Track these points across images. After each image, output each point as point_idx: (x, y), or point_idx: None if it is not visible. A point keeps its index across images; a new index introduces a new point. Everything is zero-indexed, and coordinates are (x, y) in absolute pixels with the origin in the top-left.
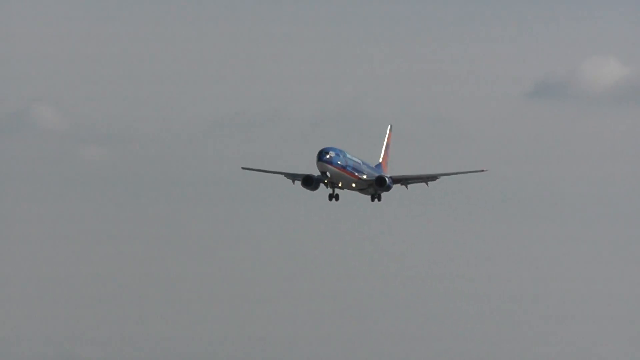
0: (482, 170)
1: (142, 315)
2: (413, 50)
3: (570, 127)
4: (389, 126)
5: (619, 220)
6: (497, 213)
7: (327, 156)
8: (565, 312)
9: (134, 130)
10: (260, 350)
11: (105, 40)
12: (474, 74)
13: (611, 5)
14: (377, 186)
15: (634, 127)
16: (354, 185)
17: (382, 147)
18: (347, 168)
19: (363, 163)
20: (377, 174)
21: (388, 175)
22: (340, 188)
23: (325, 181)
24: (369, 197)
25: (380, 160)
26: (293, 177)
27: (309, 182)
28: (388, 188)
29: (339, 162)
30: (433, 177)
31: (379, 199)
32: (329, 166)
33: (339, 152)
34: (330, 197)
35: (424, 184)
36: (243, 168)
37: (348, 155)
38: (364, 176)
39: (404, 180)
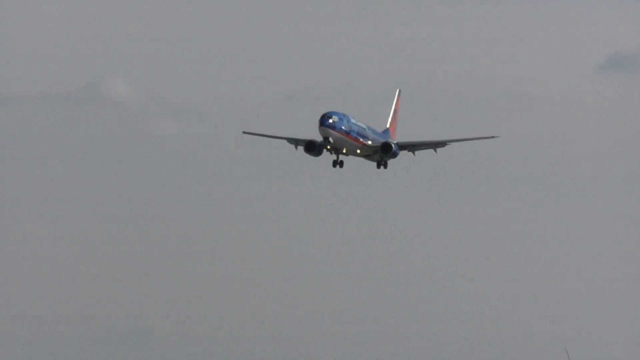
0: (493, 137)
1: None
2: (481, 25)
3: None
4: (398, 91)
5: None
6: (508, 183)
7: (330, 121)
8: (574, 290)
9: (206, 105)
10: (264, 323)
11: (179, 16)
12: (547, 45)
13: None
14: (382, 153)
15: None
16: (358, 151)
17: (390, 112)
18: (351, 133)
19: (368, 128)
20: (382, 140)
21: (394, 142)
22: (345, 154)
23: (328, 147)
24: (374, 164)
25: (388, 125)
26: (296, 142)
27: (312, 147)
28: (394, 155)
29: (342, 127)
30: (442, 144)
31: (385, 166)
32: (332, 131)
33: (342, 117)
34: (334, 163)
35: (432, 150)
36: (244, 132)
37: (352, 120)
38: (369, 142)
39: (411, 147)
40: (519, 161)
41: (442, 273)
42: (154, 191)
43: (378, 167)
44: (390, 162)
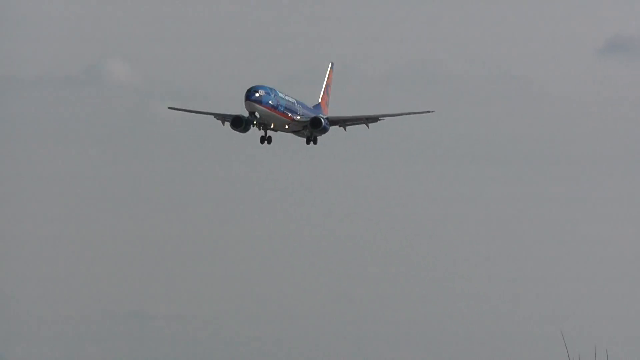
0: (428, 112)
1: None
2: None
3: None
4: (330, 64)
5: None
6: (442, 157)
7: (257, 95)
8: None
9: (203, 87)
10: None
11: None
12: (545, 30)
13: None
14: (312, 128)
15: None
16: (287, 126)
17: (322, 86)
18: (279, 108)
19: (297, 103)
20: (312, 115)
21: (324, 116)
22: (274, 130)
23: (255, 122)
24: (304, 139)
25: (320, 100)
26: (223, 117)
27: (239, 123)
28: (324, 130)
29: (269, 102)
30: (374, 119)
31: (315, 142)
32: (258, 106)
33: (269, 91)
34: (262, 139)
35: (364, 126)
36: (170, 108)
37: (280, 94)
38: (298, 117)
39: (342, 122)
40: (455, 138)
41: (374, 252)
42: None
43: (308, 142)
44: (321, 137)
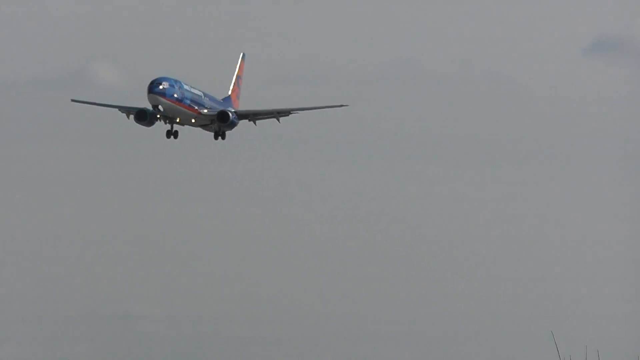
0: (342, 105)
1: None
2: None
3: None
4: (241, 54)
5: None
6: (355, 152)
7: (160, 87)
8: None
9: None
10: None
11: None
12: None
13: None
14: (219, 122)
15: None
16: (193, 120)
17: (232, 78)
18: (184, 101)
19: (205, 95)
20: (220, 109)
21: (232, 110)
22: (180, 124)
23: (158, 116)
24: (212, 134)
25: (230, 92)
26: (127, 111)
27: (143, 117)
28: (232, 124)
29: (174, 95)
30: (285, 113)
31: (223, 137)
32: (162, 99)
33: (173, 83)
34: (169, 134)
35: (275, 120)
36: (72, 100)
37: (185, 87)
38: (205, 111)
39: (252, 116)
40: (368, 132)
41: (284, 252)
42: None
43: (216, 137)
44: (230, 132)
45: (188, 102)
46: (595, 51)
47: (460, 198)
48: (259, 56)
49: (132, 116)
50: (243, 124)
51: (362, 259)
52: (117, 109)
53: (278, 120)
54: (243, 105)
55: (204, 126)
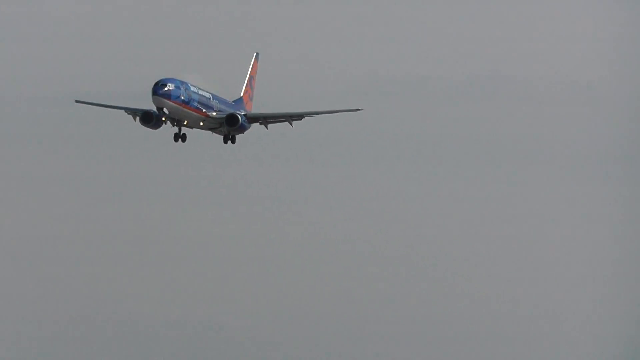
0: (357, 110)
1: None
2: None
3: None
4: (255, 54)
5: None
6: (370, 159)
7: (165, 89)
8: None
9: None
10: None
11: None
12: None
13: None
14: (228, 126)
15: None
16: (201, 123)
17: (245, 78)
18: (191, 103)
19: (213, 97)
20: (230, 111)
21: (243, 113)
22: (189, 127)
23: (164, 118)
24: (222, 138)
25: (242, 94)
26: (134, 113)
27: (149, 119)
28: (241, 128)
29: (180, 97)
30: (298, 116)
31: (233, 141)
32: (167, 101)
33: (179, 85)
34: (176, 137)
35: (288, 124)
36: (77, 101)
37: (192, 88)
38: (214, 113)
39: (263, 119)
40: (386, 137)
41: (292, 258)
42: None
43: (225, 141)
44: (241, 136)
45: (195, 104)
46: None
47: (476, 201)
48: (273, 56)
49: (138, 118)
50: (255, 127)
51: (375, 262)
52: (122, 111)
53: (291, 124)
54: (257, 108)
55: (213, 129)
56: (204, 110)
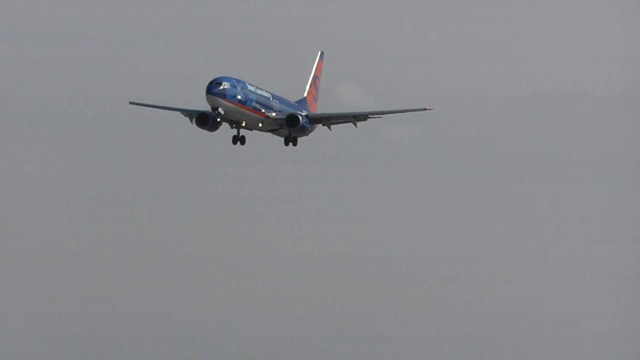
0: (426, 109)
1: None
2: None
3: None
4: (319, 53)
5: None
6: (435, 164)
7: (220, 88)
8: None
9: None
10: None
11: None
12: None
13: None
14: (288, 126)
15: None
16: (260, 125)
17: (309, 78)
18: (249, 103)
19: (273, 97)
20: (290, 111)
21: (304, 113)
22: (247, 129)
23: (218, 119)
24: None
25: (305, 95)
26: (190, 114)
27: (204, 120)
28: (303, 129)
29: (236, 96)
30: (362, 117)
31: (295, 143)
32: (222, 100)
33: (235, 83)
34: (235, 139)
35: (352, 125)
36: (131, 103)
37: (249, 87)
38: (273, 114)
39: (326, 120)
40: (455, 140)
41: (356, 269)
42: None
43: (286, 143)
44: (303, 138)
45: (253, 104)
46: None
47: (475, 210)
48: (338, 55)
49: (194, 120)
50: (319, 129)
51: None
52: (179, 113)
53: (355, 125)
54: (322, 109)
55: (274, 131)
56: (262, 111)
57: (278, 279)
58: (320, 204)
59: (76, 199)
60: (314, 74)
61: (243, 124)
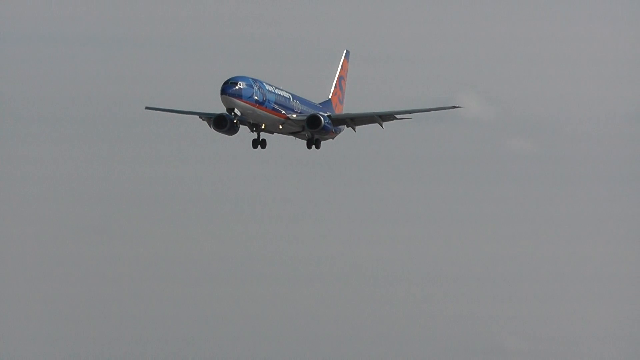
0: (455, 107)
1: None
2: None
3: None
4: (344, 52)
5: None
6: (467, 166)
7: (235, 88)
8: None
9: (558, 122)
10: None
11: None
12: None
13: None
14: (309, 128)
15: None
16: (281, 127)
17: (334, 78)
18: (267, 104)
19: (294, 98)
20: (312, 112)
21: (326, 114)
22: (268, 131)
23: (235, 121)
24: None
25: (330, 96)
26: (208, 117)
27: (222, 123)
28: (325, 130)
29: (253, 96)
30: (389, 117)
31: (317, 146)
32: (237, 101)
33: (252, 83)
34: (255, 143)
35: (378, 126)
36: (147, 108)
37: (268, 87)
38: (294, 115)
39: (350, 120)
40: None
41: (383, 278)
42: None
43: (309, 146)
44: (327, 141)
45: (272, 105)
46: None
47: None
48: (363, 54)
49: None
50: (345, 132)
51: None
52: (197, 116)
53: (381, 125)
54: (348, 110)
55: (296, 133)
56: (282, 112)
57: (303, 283)
58: (341, 209)
59: (96, 205)
60: (339, 74)
61: (262, 127)
